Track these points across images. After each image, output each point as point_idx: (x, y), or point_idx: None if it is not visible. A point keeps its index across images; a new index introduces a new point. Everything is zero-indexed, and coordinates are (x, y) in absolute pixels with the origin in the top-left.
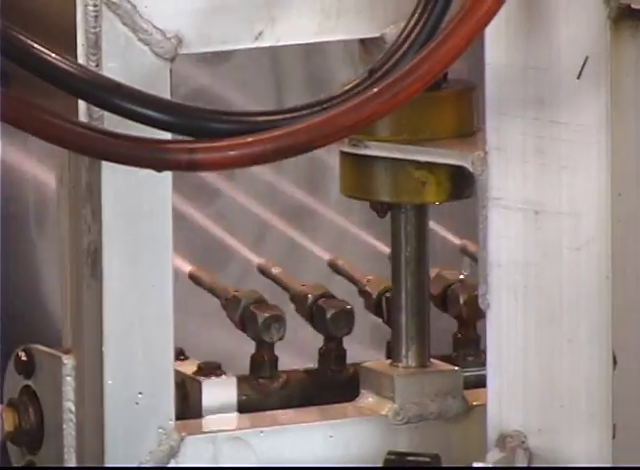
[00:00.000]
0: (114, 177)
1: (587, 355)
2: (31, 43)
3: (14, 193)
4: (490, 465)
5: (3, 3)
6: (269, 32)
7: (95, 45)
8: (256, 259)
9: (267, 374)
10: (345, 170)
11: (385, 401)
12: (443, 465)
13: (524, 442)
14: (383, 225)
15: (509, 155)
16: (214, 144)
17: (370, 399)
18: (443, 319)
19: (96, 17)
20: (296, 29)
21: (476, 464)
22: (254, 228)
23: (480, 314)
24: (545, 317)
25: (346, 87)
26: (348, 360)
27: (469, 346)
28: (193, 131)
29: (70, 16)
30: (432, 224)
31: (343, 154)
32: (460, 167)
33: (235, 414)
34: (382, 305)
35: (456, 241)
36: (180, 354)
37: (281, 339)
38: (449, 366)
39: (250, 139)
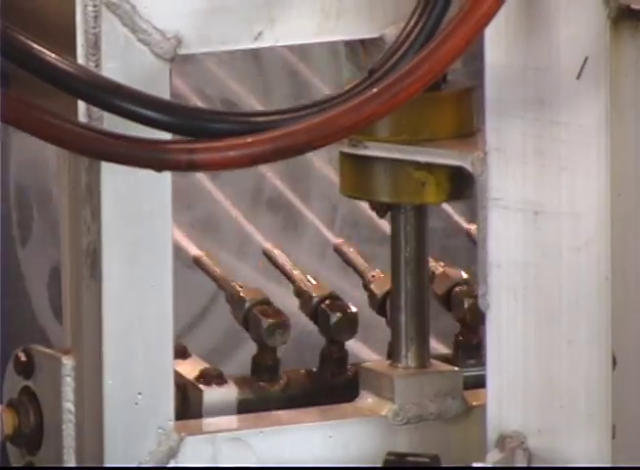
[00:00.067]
0: (114, 178)
1: (587, 356)
2: (31, 44)
3: None
4: (490, 465)
5: (3, 3)
6: (269, 33)
7: (94, 46)
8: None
9: (268, 377)
10: (345, 171)
11: (384, 402)
12: (443, 465)
13: (523, 442)
14: None
15: (508, 155)
16: (214, 144)
17: (369, 400)
18: (443, 320)
19: (95, 17)
20: (295, 30)
21: (475, 465)
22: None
23: (483, 318)
24: (545, 318)
25: (346, 87)
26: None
27: (470, 349)
28: (192, 132)
29: (70, 16)
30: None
31: (343, 154)
32: (459, 168)
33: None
34: (385, 305)
35: (464, 224)
36: (182, 353)
37: (284, 343)
38: (449, 367)
39: (249, 139)
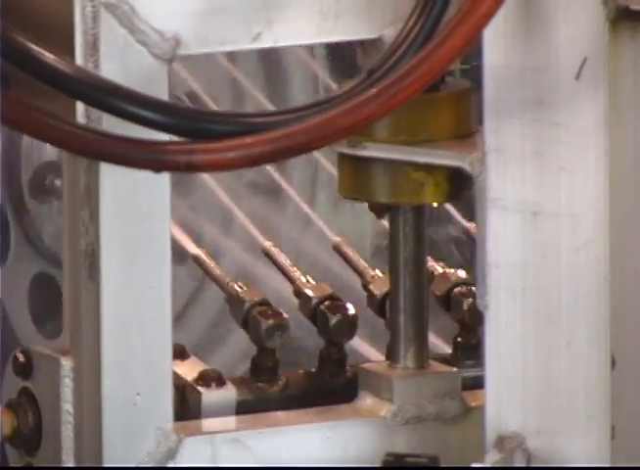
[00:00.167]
0: (113, 179)
1: (586, 356)
2: (29, 45)
3: None
4: (489, 466)
5: (2, 4)
6: (267, 34)
7: (93, 46)
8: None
9: (267, 378)
10: (344, 172)
11: (383, 403)
12: (442, 466)
13: (522, 443)
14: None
15: (507, 156)
16: (213, 145)
17: (368, 401)
18: (442, 320)
19: (94, 18)
20: (294, 31)
21: (474, 465)
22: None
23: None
24: (543, 318)
25: (345, 88)
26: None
27: (469, 349)
28: (191, 132)
29: (69, 17)
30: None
31: (342, 155)
32: (458, 169)
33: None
34: (385, 306)
35: (464, 223)
36: (181, 354)
37: (283, 344)
38: (447, 368)
39: (248, 140)
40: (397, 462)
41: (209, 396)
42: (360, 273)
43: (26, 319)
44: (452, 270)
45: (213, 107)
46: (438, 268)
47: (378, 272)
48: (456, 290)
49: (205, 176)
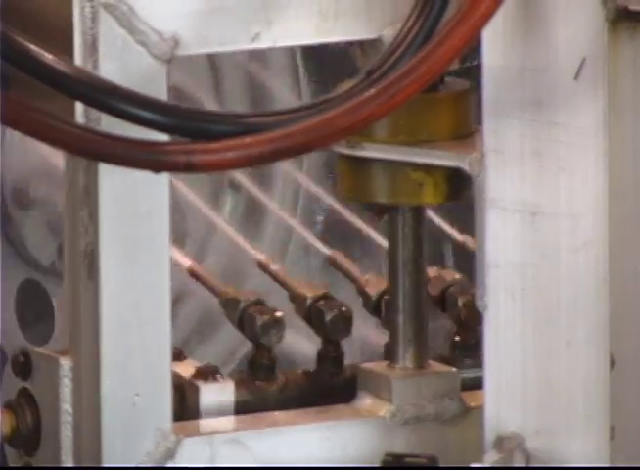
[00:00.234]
0: (112, 179)
1: (585, 357)
2: (28, 45)
3: None
4: (488, 466)
5: (2, 5)
6: (266, 34)
7: (92, 47)
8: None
9: (265, 377)
10: (343, 172)
11: (382, 403)
12: (441, 466)
13: (521, 443)
14: None
15: (506, 156)
16: (212, 146)
17: (367, 401)
18: (441, 321)
19: (93, 18)
20: (293, 31)
21: (473, 465)
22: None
23: (479, 318)
24: (543, 319)
25: (344, 88)
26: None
27: (467, 349)
28: (190, 133)
29: (68, 17)
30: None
31: (341, 155)
32: (457, 169)
33: (232, 416)
34: (380, 306)
35: (458, 237)
36: (178, 356)
37: (279, 342)
38: (447, 368)
39: (247, 140)
40: (396, 462)
41: (207, 389)
42: (355, 280)
43: (14, 325)
44: (447, 271)
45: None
46: (432, 271)
47: (372, 275)
48: (451, 289)
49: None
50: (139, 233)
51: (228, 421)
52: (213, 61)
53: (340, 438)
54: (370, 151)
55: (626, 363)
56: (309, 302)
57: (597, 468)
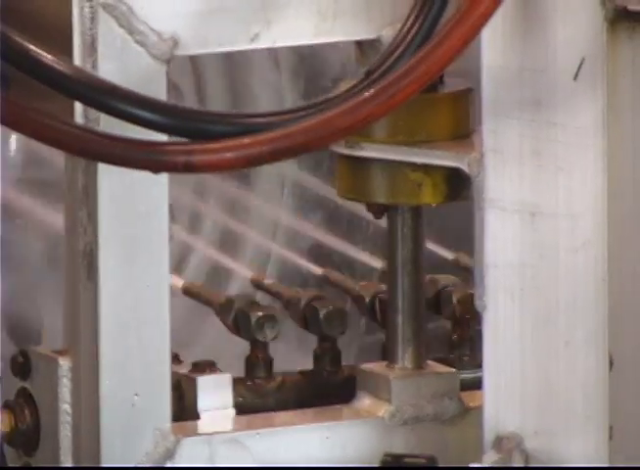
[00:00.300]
0: (110, 179)
1: (584, 357)
2: (28, 45)
3: None
4: (487, 466)
5: (2, 6)
6: (265, 34)
7: (91, 47)
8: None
9: (262, 374)
10: (342, 172)
11: (381, 403)
12: (440, 466)
13: (520, 443)
14: None
15: (505, 156)
16: (211, 146)
17: (366, 401)
18: (438, 321)
19: (92, 18)
20: (292, 31)
21: (472, 465)
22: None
23: (475, 313)
24: (542, 319)
25: (343, 89)
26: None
27: (464, 346)
28: (189, 133)
29: (67, 18)
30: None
31: (340, 156)
32: (456, 169)
33: (231, 416)
34: (375, 308)
35: (449, 256)
36: (174, 359)
37: (274, 338)
38: (446, 368)
39: (246, 141)
40: (396, 462)
41: (205, 381)
42: (349, 290)
43: None
44: (441, 275)
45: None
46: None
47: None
48: (446, 288)
49: None
50: (138, 233)
51: (227, 421)
52: (195, 61)
53: (339, 438)
54: (369, 151)
55: (625, 363)
56: (304, 302)
57: (596, 468)
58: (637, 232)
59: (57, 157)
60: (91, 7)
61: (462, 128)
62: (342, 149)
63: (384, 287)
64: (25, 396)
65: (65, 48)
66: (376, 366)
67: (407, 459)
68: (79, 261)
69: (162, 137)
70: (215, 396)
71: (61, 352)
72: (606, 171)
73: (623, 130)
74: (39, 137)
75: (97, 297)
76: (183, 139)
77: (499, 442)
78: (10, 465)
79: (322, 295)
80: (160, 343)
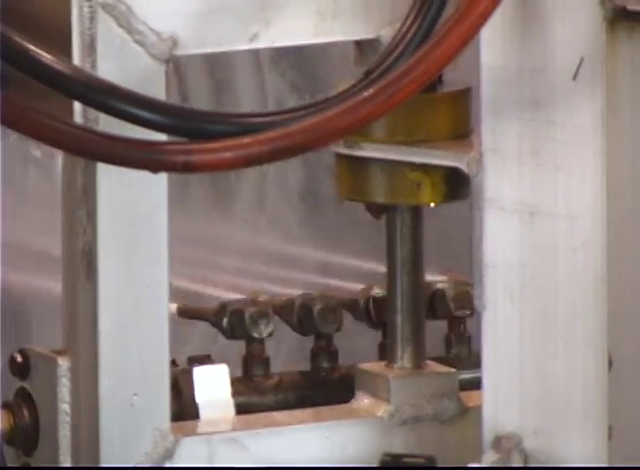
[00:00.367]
0: (110, 179)
1: (583, 357)
2: (27, 45)
3: None
4: (486, 466)
5: (2, 6)
6: (264, 34)
7: (90, 47)
8: None
9: (260, 372)
10: (341, 172)
11: (380, 403)
12: (439, 466)
13: (519, 443)
14: None
15: (504, 156)
16: (210, 145)
17: (365, 401)
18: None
19: (91, 18)
20: (291, 31)
21: (471, 465)
22: None
23: (471, 311)
24: (541, 319)
25: (342, 88)
26: None
27: (461, 344)
28: (188, 133)
29: (66, 17)
30: None
31: (339, 155)
32: (455, 169)
33: (230, 416)
34: (369, 310)
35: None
36: (171, 364)
37: (270, 335)
38: (445, 368)
39: (245, 140)
40: (395, 462)
41: (201, 371)
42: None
43: None
44: (435, 277)
45: None
46: None
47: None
48: (440, 287)
49: None
50: (137, 233)
51: (226, 421)
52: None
53: (338, 438)
54: (368, 151)
55: (624, 363)
56: (298, 304)
57: (595, 468)
58: (636, 232)
59: None
60: (90, 7)
61: (461, 128)
62: (341, 149)
63: (375, 288)
64: (24, 395)
65: (64, 48)
66: (375, 366)
67: (406, 459)
68: (78, 261)
69: (162, 137)
70: (213, 386)
71: (60, 352)
72: (605, 171)
73: (622, 130)
74: (38, 137)
75: (96, 297)
76: (182, 139)
77: (498, 441)
78: (9, 465)
79: (315, 296)
80: (158, 343)
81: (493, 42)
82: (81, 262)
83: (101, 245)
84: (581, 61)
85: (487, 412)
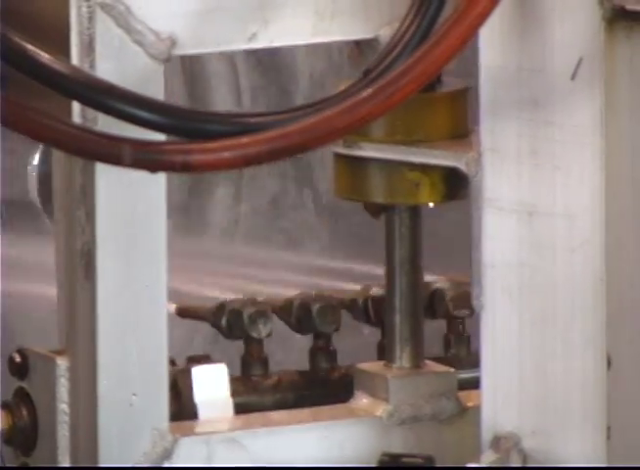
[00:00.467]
0: (108, 179)
1: (581, 357)
2: (25, 45)
3: None
4: (485, 466)
5: (2, 6)
6: (263, 34)
7: (89, 47)
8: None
9: (259, 372)
10: (339, 172)
11: (379, 403)
12: (437, 466)
13: (518, 443)
14: None
15: (503, 156)
16: (209, 145)
17: (364, 401)
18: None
19: (90, 18)
20: (290, 31)
21: (470, 465)
22: None
23: (470, 311)
24: (539, 319)
25: (341, 88)
26: None
27: (460, 344)
28: (187, 133)
29: (65, 17)
30: None
31: (338, 155)
32: (454, 169)
33: (229, 416)
34: (368, 311)
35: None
36: (170, 364)
37: (268, 335)
38: (444, 368)
39: (244, 140)
40: (393, 462)
41: (199, 370)
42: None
43: None
44: (433, 277)
45: None
46: None
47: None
48: (438, 287)
49: None
50: (136, 233)
51: (225, 421)
52: None
53: (337, 437)
54: (367, 150)
55: (623, 363)
56: (296, 304)
57: (594, 468)
58: (635, 231)
59: None
60: (89, 7)
61: (460, 128)
62: (339, 148)
63: (374, 288)
64: (23, 395)
65: (62, 48)
66: (373, 366)
67: (405, 459)
68: (77, 261)
69: (160, 137)
70: (211, 385)
71: (58, 352)
72: (604, 171)
73: (621, 129)
74: (37, 137)
75: (95, 297)
76: (181, 139)
77: (497, 441)
78: (7, 465)
79: (314, 295)
80: (157, 343)
81: (492, 42)
82: (80, 262)
83: (100, 245)
84: (580, 61)
85: (486, 412)
